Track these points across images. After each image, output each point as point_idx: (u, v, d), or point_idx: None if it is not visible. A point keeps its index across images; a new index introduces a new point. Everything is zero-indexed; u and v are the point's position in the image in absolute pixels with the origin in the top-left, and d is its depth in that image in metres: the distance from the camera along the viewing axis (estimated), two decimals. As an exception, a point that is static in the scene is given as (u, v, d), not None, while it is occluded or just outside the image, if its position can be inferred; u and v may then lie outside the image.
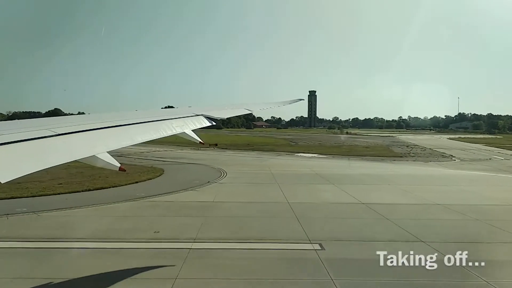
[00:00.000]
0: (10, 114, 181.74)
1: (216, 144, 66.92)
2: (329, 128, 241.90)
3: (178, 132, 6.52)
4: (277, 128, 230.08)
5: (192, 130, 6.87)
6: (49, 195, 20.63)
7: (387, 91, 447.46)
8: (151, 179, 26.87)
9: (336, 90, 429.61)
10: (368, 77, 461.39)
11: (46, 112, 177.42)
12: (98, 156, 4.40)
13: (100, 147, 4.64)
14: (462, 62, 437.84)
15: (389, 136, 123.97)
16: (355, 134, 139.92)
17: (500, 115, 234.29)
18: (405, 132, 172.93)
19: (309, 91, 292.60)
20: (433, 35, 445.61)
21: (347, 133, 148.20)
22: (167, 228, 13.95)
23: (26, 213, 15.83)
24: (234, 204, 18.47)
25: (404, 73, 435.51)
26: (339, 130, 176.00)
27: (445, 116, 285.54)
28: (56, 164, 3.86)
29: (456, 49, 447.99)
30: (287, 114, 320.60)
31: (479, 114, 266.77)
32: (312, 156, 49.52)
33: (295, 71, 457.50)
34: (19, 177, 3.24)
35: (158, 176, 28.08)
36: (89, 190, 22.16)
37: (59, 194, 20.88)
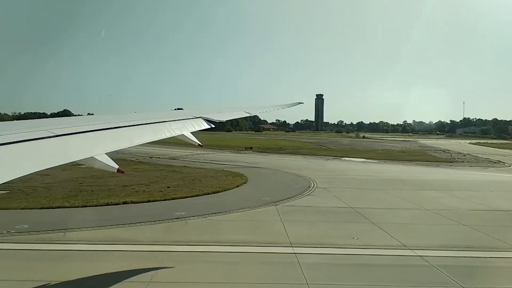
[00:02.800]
0: (15, 114, 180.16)
1: (252, 148, 67.46)
2: (337, 131, 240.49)
3: (177, 134, 6.31)
4: (286, 131, 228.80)
5: (191, 133, 6.64)
6: (176, 198, 20.31)
7: (390, 96, 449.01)
8: (245, 183, 26.72)
9: (339, 94, 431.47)
10: (372, 81, 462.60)
11: (55, 113, 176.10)
12: (97, 157, 4.31)
13: (98, 148, 4.53)
14: (466, 67, 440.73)
15: (407, 140, 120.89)
16: (371, 138, 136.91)
17: (505, 120, 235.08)
18: (416, 137, 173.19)
19: (316, 95, 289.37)
20: (437, 40, 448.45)
21: (363, 137, 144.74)
22: (360, 234, 13.41)
23: (194, 217, 15.73)
24: (379, 211, 17.35)
25: (407, 78, 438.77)
26: (354, 134, 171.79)
27: (450, 121, 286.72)
28: (54, 166, 3.73)
29: (460, 53, 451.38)
30: (291, 117, 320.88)
31: (484, 119, 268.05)
32: (363, 161, 48.28)
33: (301, 75, 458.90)
34: (16, 178, 3.12)
35: (247, 181, 26.97)
36: (208, 193, 21.99)
37: (185, 197, 20.76)
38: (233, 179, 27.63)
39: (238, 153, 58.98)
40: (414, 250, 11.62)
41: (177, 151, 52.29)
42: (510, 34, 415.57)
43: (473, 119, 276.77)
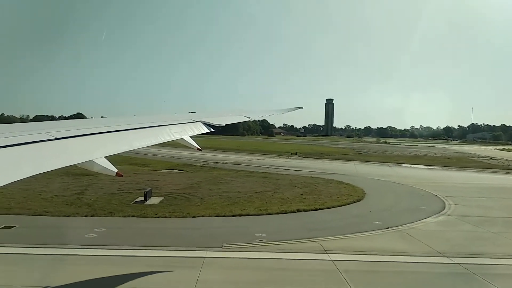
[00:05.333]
0: (24, 117, 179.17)
1: (296, 153, 68.40)
2: (348, 136, 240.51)
3: (177, 138, 6.25)
4: (297, 136, 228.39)
5: (191, 136, 6.58)
6: (334, 207, 20.54)
7: (393, 101, 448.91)
8: (364, 191, 25.71)
9: (341, 98, 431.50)
10: (375, 86, 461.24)
11: (68, 116, 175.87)
12: (96, 161, 4.26)
13: (98, 152, 4.49)
14: (470, 72, 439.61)
15: (433, 146, 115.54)
16: (392, 143, 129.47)
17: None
18: (431, 142, 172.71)
19: (326, 99, 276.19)
20: (442, 46, 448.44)
21: (384, 142, 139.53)
22: None
23: (400, 227, 15.94)
24: None
25: (410, 82, 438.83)
26: (375, 139, 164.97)
27: (458, 126, 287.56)
28: (53, 169, 3.68)
29: (464, 58, 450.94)
30: (298, 121, 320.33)
31: (492, 125, 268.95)
32: (428, 168, 47.60)
33: (305, 80, 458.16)
34: (15, 181, 3.08)
35: (364, 189, 26.50)
36: (354, 202, 21.93)
37: (340, 206, 20.82)
38: (346, 187, 27.76)
39: (288, 158, 59.40)
40: None
41: (230, 156, 52.61)
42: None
43: (481, 124, 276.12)
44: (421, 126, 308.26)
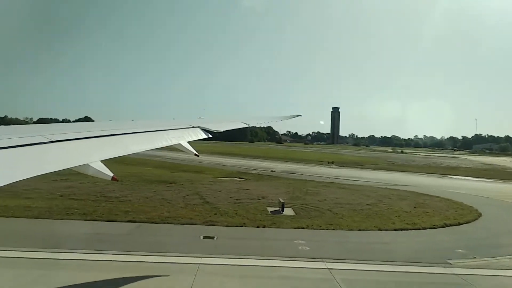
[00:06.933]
0: (28, 119, 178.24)
1: (333, 162, 69.43)
2: (355, 145, 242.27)
3: (174, 143, 6.23)
4: (305, 143, 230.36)
5: (188, 142, 6.55)
6: (462, 223, 20.26)
7: (395, 110, 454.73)
8: (472, 207, 24.89)
9: (348, 107, 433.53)
10: (379, 96, 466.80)
11: (76, 119, 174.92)
12: (91, 165, 4.21)
13: (94, 155, 4.46)
14: (474, 85, 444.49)
15: (456, 157, 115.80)
16: (410, 153, 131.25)
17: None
18: (439, 152, 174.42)
19: (333, 108, 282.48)
20: (447, 58, 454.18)
21: (402, 152, 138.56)
22: None
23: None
24: None
25: (411, 92, 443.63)
26: (391, 149, 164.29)
27: (462, 136, 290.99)
28: (49, 172, 3.64)
29: (470, 71, 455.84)
30: (301, 129, 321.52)
31: (496, 136, 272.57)
32: (482, 180, 47.49)
33: (311, 89, 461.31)
34: (10, 183, 3.03)
35: (471, 207, 25.00)
36: (475, 219, 21.46)
37: (468, 223, 20.43)
38: (441, 200, 27.63)
39: (330, 167, 60.05)
40: None
41: (271, 164, 52.91)
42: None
43: (485, 135, 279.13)
44: (424, 135, 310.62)
